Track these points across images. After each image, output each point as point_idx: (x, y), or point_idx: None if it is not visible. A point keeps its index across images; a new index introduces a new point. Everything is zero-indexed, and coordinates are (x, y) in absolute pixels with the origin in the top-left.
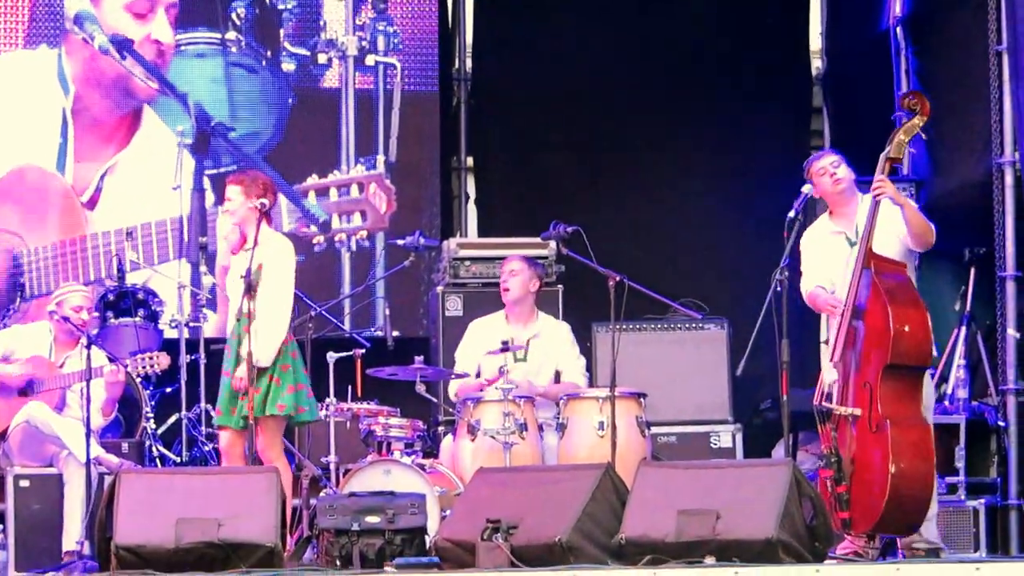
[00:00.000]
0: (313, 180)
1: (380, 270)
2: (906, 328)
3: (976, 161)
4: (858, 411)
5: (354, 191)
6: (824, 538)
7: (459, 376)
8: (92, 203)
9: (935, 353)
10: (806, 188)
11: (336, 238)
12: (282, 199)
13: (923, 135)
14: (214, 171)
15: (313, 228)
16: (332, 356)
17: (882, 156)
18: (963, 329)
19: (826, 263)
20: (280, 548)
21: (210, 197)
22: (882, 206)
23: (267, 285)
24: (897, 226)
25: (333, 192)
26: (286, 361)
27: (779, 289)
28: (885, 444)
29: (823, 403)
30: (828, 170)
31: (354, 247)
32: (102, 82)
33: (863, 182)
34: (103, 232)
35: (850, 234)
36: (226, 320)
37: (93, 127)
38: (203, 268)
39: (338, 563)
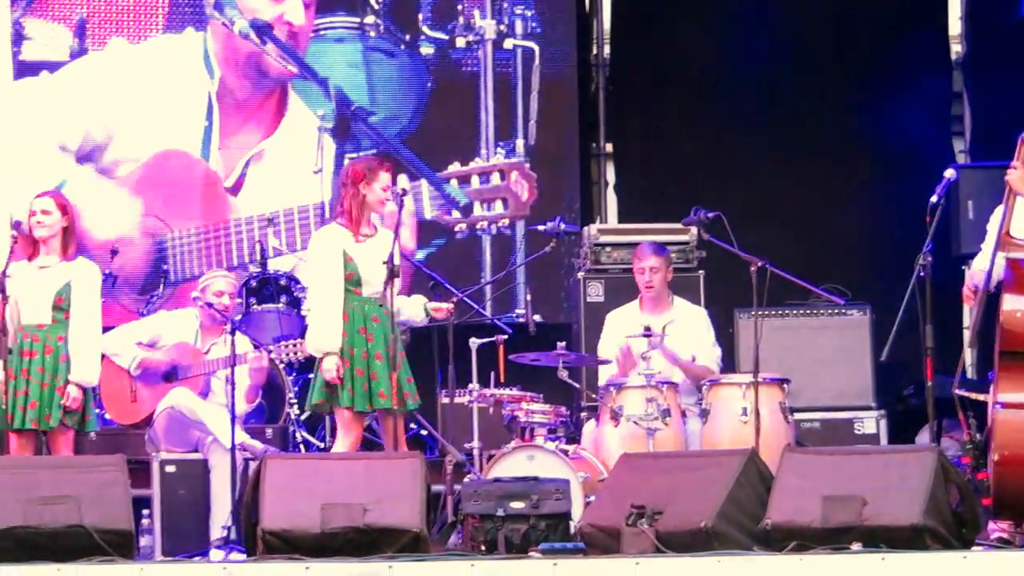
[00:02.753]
0: (455, 168)
1: (521, 256)
2: (1018, 314)
3: None
4: (984, 397)
5: (495, 178)
6: (971, 524)
7: (603, 363)
8: (236, 188)
9: None
10: (948, 173)
11: (477, 225)
12: (424, 184)
13: None
14: (355, 155)
15: (455, 214)
16: (475, 342)
17: (1020, 139)
18: None
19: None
20: (426, 533)
21: None
22: None
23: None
24: None
25: (475, 179)
26: None
27: (922, 274)
28: (995, 431)
29: (958, 390)
30: None
31: (495, 232)
32: (244, 67)
33: (1001, 168)
34: (246, 217)
35: None
36: None
37: (238, 112)
38: None
39: (483, 548)
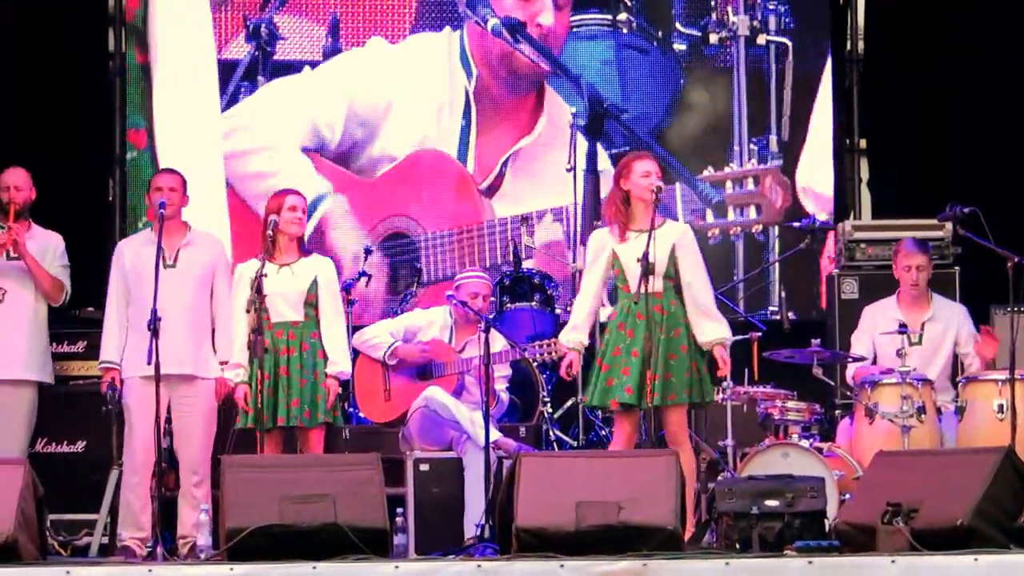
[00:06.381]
0: (708, 172)
1: (775, 253)
2: None
3: None
4: None
5: (749, 183)
6: None
7: (856, 359)
8: (492, 189)
9: None
10: None
11: (731, 231)
12: (677, 186)
13: None
14: (607, 153)
15: (708, 214)
16: (728, 339)
17: None
18: None
19: None
20: (680, 531)
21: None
22: None
23: (695, 264)
24: None
25: (728, 184)
26: None
27: None
28: None
29: None
30: None
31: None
32: (499, 65)
33: None
34: (500, 219)
35: None
36: None
37: (495, 110)
38: None
39: (737, 546)
